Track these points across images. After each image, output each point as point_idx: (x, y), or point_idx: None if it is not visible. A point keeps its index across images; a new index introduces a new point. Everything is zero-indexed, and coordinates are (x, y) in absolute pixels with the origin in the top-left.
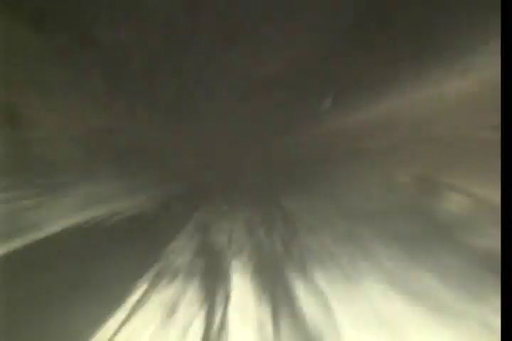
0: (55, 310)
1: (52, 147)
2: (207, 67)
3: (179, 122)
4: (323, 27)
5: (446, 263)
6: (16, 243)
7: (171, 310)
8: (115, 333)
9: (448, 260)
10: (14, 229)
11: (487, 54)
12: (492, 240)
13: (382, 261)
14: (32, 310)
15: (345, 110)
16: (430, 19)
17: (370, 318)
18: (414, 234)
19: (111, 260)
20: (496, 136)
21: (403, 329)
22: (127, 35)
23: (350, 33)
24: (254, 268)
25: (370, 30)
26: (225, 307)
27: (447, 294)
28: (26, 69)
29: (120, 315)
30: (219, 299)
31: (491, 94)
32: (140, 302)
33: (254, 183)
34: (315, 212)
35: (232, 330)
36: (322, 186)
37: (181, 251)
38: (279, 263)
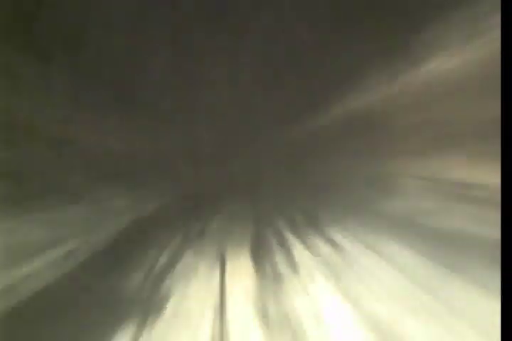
0: None
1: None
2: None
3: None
4: (309, 11)
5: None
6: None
7: None
8: None
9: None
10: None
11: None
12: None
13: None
14: None
15: (336, 99)
16: None
17: None
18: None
19: None
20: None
21: None
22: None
23: (336, 18)
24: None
25: (356, 12)
26: None
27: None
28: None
29: None
30: None
31: (479, 74)
32: None
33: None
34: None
35: None
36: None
37: None
38: None
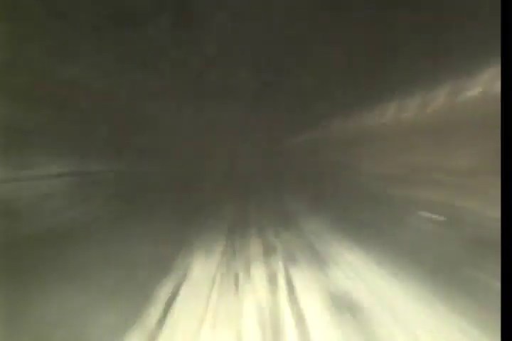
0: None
1: None
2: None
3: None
4: (334, 35)
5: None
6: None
7: None
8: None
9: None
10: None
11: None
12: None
13: None
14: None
15: (352, 118)
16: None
17: None
18: None
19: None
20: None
21: None
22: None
23: (362, 40)
24: None
25: (380, 36)
26: None
27: None
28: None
29: None
30: None
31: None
32: None
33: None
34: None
35: None
36: None
37: None
38: None
